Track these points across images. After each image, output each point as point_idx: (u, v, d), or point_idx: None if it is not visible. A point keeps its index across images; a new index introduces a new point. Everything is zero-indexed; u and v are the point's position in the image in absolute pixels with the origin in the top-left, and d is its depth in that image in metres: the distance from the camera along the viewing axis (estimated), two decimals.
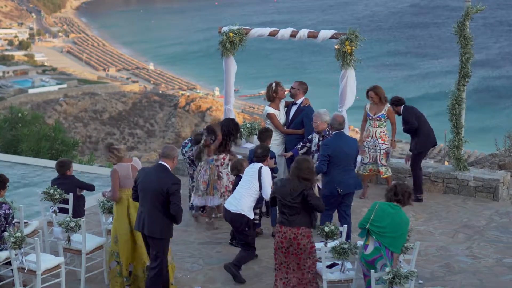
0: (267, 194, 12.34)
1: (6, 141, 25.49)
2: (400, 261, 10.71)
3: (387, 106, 16.47)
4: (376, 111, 16.42)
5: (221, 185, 14.79)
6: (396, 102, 16.83)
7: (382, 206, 10.44)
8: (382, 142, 16.40)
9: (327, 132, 14.26)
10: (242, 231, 12.55)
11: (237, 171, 13.56)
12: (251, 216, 12.61)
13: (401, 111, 16.77)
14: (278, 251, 10.95)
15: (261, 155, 12.84)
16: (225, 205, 12.67)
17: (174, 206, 10.89)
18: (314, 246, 10.96)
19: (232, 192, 13.10)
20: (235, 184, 13.27)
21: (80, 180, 13.76)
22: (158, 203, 10.95)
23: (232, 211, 12.46)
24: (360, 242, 11.12)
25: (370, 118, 16.46)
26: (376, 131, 16.40)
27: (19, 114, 25.94)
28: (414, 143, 16.69)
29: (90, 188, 13.77)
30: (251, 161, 13.94)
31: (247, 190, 12.55)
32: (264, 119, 15.94)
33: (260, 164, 12.72)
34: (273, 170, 13.79)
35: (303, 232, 10.75)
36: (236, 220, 12.46)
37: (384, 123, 16.48)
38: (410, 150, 17.14)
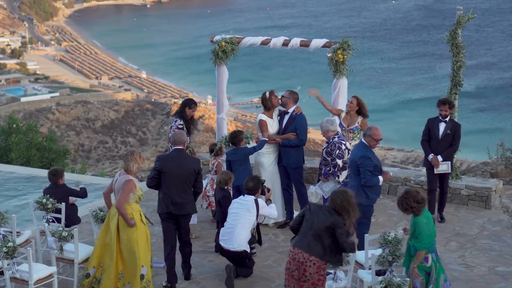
0: (275, 214, 13.08)
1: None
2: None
3: (361, 118, 15.77)
4: (350, 122, 15.81)
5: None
6: (453, 104, 15.97)
7: (425, 217, 10.48)
8: None
9: (331, 140, 14.39)
10: (244, 264, 12.59)
11: (224, 184, 13.60)
12: (248, 249, 12.65)
13: (452, 124, 15.59)
14: (286, 271, 10.44)
15: (253, 188, 12.68)
16: (222, 243, 12.60)
17: (200, 184, 12.50)
18: (323, 282, 10.20)
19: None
20: (217, 194, 13.58)
21: (71, 188, 13.75)
22: (187, 183, 12.20)
23: (231, 249, 12.45)
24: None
25: (343, 128, 15.75)
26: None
27: (14, 125, 25.90)
28: (451, 160, 15.85)
29: (83, 194, 13.76)
30: (229, 164, 14.16)
31: (243, 225, 12.47)
32: (256, 127, 15.94)
33: (253, 197, 12.62)
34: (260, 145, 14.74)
35: (314, 260, 10.00)
36: (238, 257, 12.50)
37: (358, 136, 15.56)
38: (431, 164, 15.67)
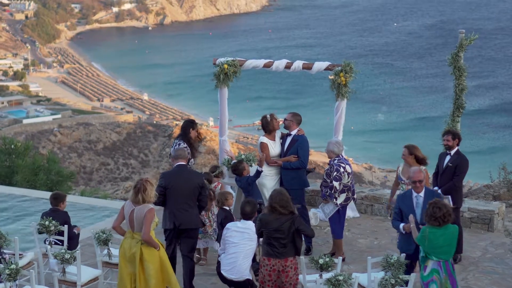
0: None
1: (0, 172, 25.42)
2: None
3: (423, 168, 13.73)
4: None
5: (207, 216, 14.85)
6: (458, 135, 14.78)
7: (431, 229, 10.76)
8: None
9: (332, 162, 14.40)
10: None
11: (222, 204, 13.46)
12: (251, 276, 12.40)
13: (457, 157, 14.49)
14: (264, 285, 11.18)
15: (250, 212, 12.33)
16: (224, 273, 12.22)
17: (205, 198, 12.81)
18: (298, 279, 11.45)
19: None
20: (219, 216, 13.38)
21: (70, 224, 13.53)
22: (192, 198, 12.56)
23: (235, 279, 12.18)
24: (355, 274, 11.14)
25: (403, 182, 14.12)
26: None
27: (12, 146, 25.83)
28: (456, 199, 14.42)
29: (74, 238, 13.49)
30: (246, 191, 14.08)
31: (245, 255, 12.12)
32: (258, 149, 15.93)
33: (252, 223, 12.25)
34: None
35: (291, 264, 11.21)
36: (241, 285, 12.29)
37: None
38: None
